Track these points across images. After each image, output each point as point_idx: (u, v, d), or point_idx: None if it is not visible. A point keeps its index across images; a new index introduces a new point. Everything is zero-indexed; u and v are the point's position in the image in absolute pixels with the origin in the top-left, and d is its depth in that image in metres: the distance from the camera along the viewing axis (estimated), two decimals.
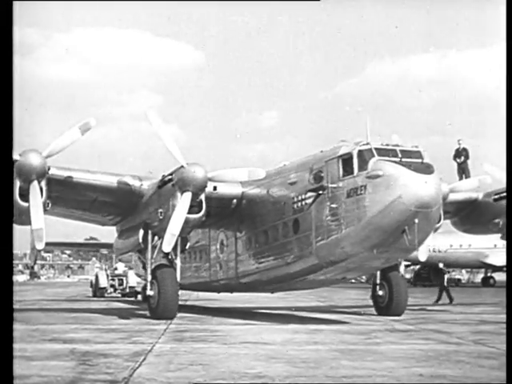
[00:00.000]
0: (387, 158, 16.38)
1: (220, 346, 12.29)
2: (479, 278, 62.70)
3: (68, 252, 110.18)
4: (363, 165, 16.51)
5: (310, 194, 17.94)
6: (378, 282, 20.95)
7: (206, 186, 18.28)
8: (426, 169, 16.23)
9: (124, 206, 20.17)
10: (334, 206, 17.07)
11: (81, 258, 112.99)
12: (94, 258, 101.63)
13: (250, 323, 17.93)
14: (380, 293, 20.93)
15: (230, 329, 16.10)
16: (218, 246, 22.51)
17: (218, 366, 9.74)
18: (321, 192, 17.50)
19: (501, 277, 52.63)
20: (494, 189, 22.34)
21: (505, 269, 48.97)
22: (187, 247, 20.91)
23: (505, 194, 21.82)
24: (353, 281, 79.50)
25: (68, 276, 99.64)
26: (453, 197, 21.77)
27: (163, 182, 18.63)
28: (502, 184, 21.48)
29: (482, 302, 28.75)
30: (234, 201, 20.40)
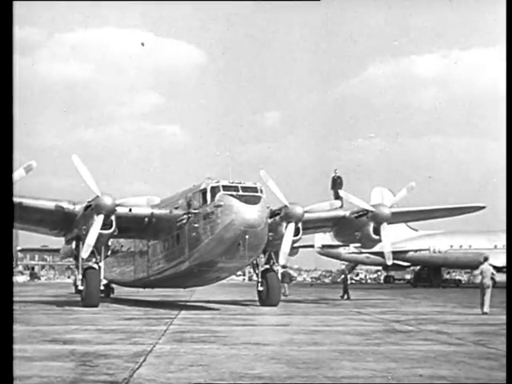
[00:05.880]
0: (229, 193, 22.87)
1: (220, 346, 12.28)
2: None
3: None
4: (213, 197, 23.15)
5: (184, 216, 24.69)
6: (259, 280, 27.58)
7: (115, 210, 25.02)
8: (255, 200, 22.69)
9: (64, 223, 26.41)
10: (196, 225, 23.80)
11: None
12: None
13: (251, 324, 17.95)
14: (260, 288, 27.35)
15: (230, 330, 16.09)
16: (139, 253, 29.81)
17: (218, 366, 9.74)
18: (190, 215, 24.27)
19: (501, 277, 52.51)
20: (356, 209, 28.28)
21: (505, 269, 48.95)
22: (118, 254, 29.22)
23: (362, 213, 28.01)
24: (353, 281, 79.99)
25: (68, 277, 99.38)
26: (324, 214, 28.71)
27: (86, 207, 25.28)
28: (356, 206, 28.05)
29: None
30: (146, 219, 27.00)
